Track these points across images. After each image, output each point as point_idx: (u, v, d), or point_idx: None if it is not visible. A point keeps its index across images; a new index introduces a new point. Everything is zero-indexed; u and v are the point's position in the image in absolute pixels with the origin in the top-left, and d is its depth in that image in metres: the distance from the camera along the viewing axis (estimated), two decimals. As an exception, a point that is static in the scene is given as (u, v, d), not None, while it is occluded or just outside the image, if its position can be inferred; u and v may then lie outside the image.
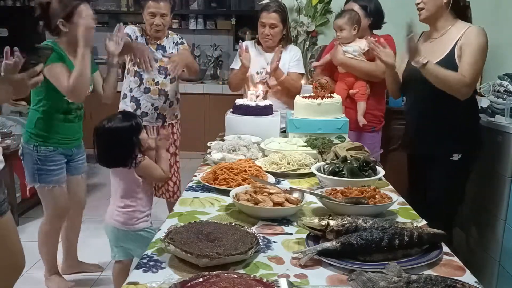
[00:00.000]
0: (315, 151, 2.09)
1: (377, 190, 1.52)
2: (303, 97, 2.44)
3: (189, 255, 1.09)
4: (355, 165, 1.71)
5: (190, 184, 1.80)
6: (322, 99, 2.37)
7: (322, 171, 1.75)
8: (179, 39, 3.08)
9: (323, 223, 1.23)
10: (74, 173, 2.61)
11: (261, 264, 1.14)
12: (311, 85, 2.68)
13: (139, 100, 2.95)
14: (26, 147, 2.44)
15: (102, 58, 5.28)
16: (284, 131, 2.65)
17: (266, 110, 2.46)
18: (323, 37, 3.78)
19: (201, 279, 0.98)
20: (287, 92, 2.94)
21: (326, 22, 3.71)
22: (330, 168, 1.73)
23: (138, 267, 1.12)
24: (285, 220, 1.42)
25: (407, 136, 2.56)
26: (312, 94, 2.46)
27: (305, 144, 2.19)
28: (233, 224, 1.29)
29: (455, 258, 1.18)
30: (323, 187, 1.67)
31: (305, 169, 1.91)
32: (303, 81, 2.91)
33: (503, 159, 2.47)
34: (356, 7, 2.80)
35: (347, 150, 1.93)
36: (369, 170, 1.72)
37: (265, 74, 2.92)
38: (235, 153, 2.08)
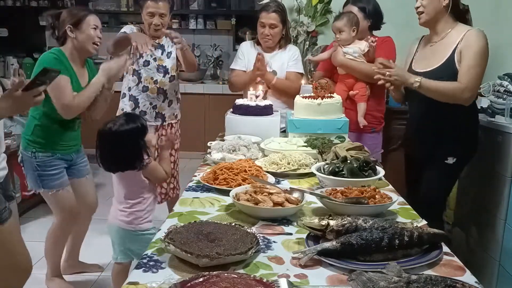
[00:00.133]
0: (315, 151, 2.09)
1: (377, 190, 1.53)
2: (303, 97, 2.44)
3: (189, 255, 1.09)
4: (355, 165, 1.71)
5: (190, 184, 1.80)
6: (322, 99, 2.37)
7: (322, 171, 1.75)
8: None
9: (323, 223, 1.23)
10: (78, 176, 2.62)
11: (261, 264, 1.14)
12: (311, 85, 2.68)
13: (138, 98, 2.96)
14: (24, 153, 2.44)
15: (102, 58, 5.29)
16: (284, 131, 2.65)
17: (266, 110, 2.46)
18: (323, 37, 3.77)
19: (201, 279, 0.98)
20: (286, 92, 2.94)
21: (326, 22, 3.71)
22: (330, 168, 1.73)
23: (138, 267, 1.12)
24: (285, 220, 1.42)
25: (407, 138, 2.56)
26: (312, 94, 2.46)
27: (305, 144, 2.19)
28: (233, 224, 1.29)
29: (455, 258, 1.18)
30: (323, 187, 1.67)
31: (305, 169, 1.91)
32: (303, 81, 2.91)
33: (503, 159, 2.47)
34: (355, 9, 2.80)
35: (347, 150, 1.93)
36: (369, 170, 1.72)
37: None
38: (235, 153, 2.08)
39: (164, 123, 3.04)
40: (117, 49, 2.83)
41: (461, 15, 2.27)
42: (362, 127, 2.75)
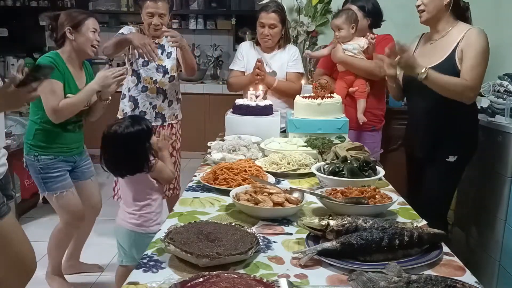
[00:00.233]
0: (315, 151, 2.09)
1: (377, 190, 1.53)
2: (303, 97, 2.44)
3: (189, 255, 1.09)
4: (355, 165, 1.71)
5: (190, 184, 1.80)
6: (322, 99, 2.37)
7: (322, 171, 1.75)
8: None
9: (323, 223, 1.23)
10: (82, 178, 2.62)
11: (261, 264, 1.14)
12: (311, 85, 2.68)
13: (137, 99, 2.95)
14: (28, 158, 2.46)
15: (102, 58, 5.29)
16: (284, 131, 2.65)
17: (266, 110, 2.47)
18: (323, 37, 3.77)
19: (201, 279, 0.98)
20: (287, 93, 2.95)
21: (326, 22, 3.71)
22: (330, 168, 1.73)
23: (138, 267, 1.12)
24: (285, 220, 1.42)
25: (407, 138, 2.56)
26: (312, 94, 2.46)
27: (305, 144, 2.19)
28: (233, 224, 1.29)
29: (455, 258, 1.18)
30: (323, 187, 1.67)
31: (305, 169, 1.91)
32: (303, 81, 2.91)
33: (503, 159, 2.47)
34: (354, 8, 2.81)
35: (347, 150, 1.93)
36: (369, 170, 1.72)
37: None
38: (235, 153, 2.08)
39: (164, 123, 3.04)
40: (116, 50, 2.83)
41: (461, 13, 2.27)
42: (361, 123, 2.75)
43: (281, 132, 2.56)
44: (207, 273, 1.01)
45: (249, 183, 1.64)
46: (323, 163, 1.85)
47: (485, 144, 2.49)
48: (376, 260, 1.14)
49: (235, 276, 1.01)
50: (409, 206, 1.57)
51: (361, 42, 2.74)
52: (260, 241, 1.20)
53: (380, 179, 1.77)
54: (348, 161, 1.75)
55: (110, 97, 2.55)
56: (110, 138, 1.99)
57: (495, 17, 3.34)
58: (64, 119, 2.40)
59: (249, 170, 1.75)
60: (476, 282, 1.05)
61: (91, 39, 2.43)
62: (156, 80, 2.94)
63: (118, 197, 3.12)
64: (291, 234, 1.32)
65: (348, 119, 2.38)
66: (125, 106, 3.00)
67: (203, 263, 1.08)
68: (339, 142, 2.21)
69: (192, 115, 5.00)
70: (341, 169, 1.71)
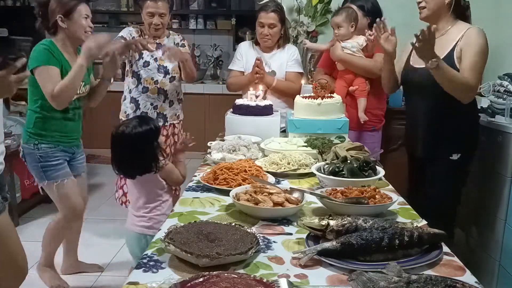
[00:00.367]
0: (315, 151, 2.09)
1: (377, 190, 1.53)
2: (303, 97, 2.45)
3: (189, 255, 1.09)
4: (355, 165, 1.71)
5: (190, 184, 1.80)
6: (322, 99, 2.37)
7: (322, 171, 1.75)
8: (180, 40, 3.08)
9: (323, 223, 1.23)
10: (75, 173, 2.58)
11: (261, 264, 1.14)
12: (311, 85, 2.68)
13: (138, 100, 2.96)
14: (26, 147, 2.41)
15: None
16: (284, 131, 2.65)
17: (266, 110, 2.47)
18: (323, 37, 3.77)
19: (201, 279, 0.98)
20: (287, 93, 2.95)
21: (326, 22, 3.71)
22: (330, 168, 1.73)
23: (138, 267, 1.12)
24: (285, 220, 1.42)
25: (408, 137, 2.56)
26: (312, 94, 2.46)
27: (305, 144, 2.19)
28: (233, 224, 1.29)
29: (455, 258, 1.18)
30: (323, 187, 1.67)
31: (305, 169, 1.91)
32: (303, 81, 2.91)
33: (503, 159, 2.47)
34: (354, 8, 2.81)
35: (347, 150, 1.93)
36: (369, 170, 1.72)
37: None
38: (235, 153, 2.08)
39: (166, 124, 3.04)
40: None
41: (461, 12, 2.27)
42: (363, 122, 2.75)
43: (281, 132, 2.56)
44: (207, 273, 1.01)
45: (249, 183, 1.64)
46: (323, 163, 1.86)
47: (485, 144, 2.49)
48: (376, 260, 1.14)
49: (235, 276, 1.01)
50: (409, 206, 1.57)
51: (360, 40, 2.74)
52: (260, 241, 1.20)
53: (380, 179, 1.77)
54: (348, 161, 1.75)
55: (112, 78, 2.52)
56: (118, 138, 2.00)
57: (495, 17, 3.34)
58: (65, 103, 2.35)
59: (249, 170, 1.75)
60: (476, 282, 1.05)
61: (84, 26, 2.36)
62: (157, 80, 2.95)
63: (123, 202, 3.13)
64: (291, 234, 1.32)
65: (348, 119, 2.38)
66: (126, 108, 3.01)
67: (203, 263, 1.08)
68: (339, 142, 2.21)
69: (192, 115, 4.99)
70: (341, 169, 1.71)
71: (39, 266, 2.67)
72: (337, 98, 2.43)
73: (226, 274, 1.01)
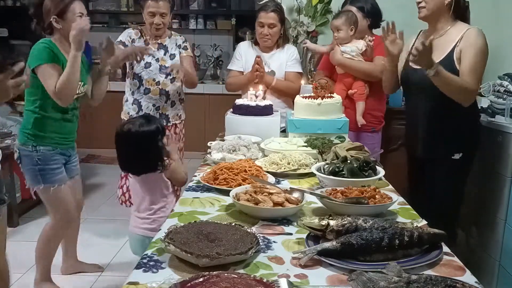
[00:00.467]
0: (315, 151, 2.09)
1: (377, 190, 1.53)
2: (303, 97, 2.45)
3: (189, 255, 1.09)
4: (355, 165, 1.71)
5: (190, 184, 1.80)
6: (322, 99, 2.37)
7: (322, 171, 1.75)
8: (183, 42, 3.08)
9: (323, 223, 1.23)
10: (70, 175, 2.55)
11: (261, 264, 1.14)
12: (311, 85, 2.68)
13: (140, 101, 2.97)
14: (24, 149, 2.37)
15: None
16: (284, 131, 2.65)
17: (266, 110, 2.47)
18: (323, 37, 3.77)
19: (201, 279, 0.98)
20: (286, 92, 2.95)
21: (326, 22, 3.71)
22: (330, 168, 1.73)
23: (138, 267, 1.12)
24: (285, 220, 1.42)
25: (408, 138, 2.56)
26: (312, 94, 2.46)
27: (305, 144, 2.19)
28: (233, 224, 1.29)
29: (455, 258, 1.18)
30: (323, 187, 1.67)
31: (305, 169, 1.91)
32: (303, 81, 2.91)
33: (503, 159, 2.47)
34: (353, 9, 2.81)
35: (347, 150, 1.93)
36: (369, 170, 1.72)
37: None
38: (235, 153, 2.08)
39: (168, 124, 3.05)
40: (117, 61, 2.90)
41: (461, 12, 2.27)
42: (360, 126, 2.75)
43: (280, 131, 2.56)
44: (207, 273, 1.01)
45: (249, 183, 1.64)
46: (323, 163, 1.86)
47: (485, 144, 2.49)
48: (376, 260, 1.14)
49: (235, 276, 1.01)
50: (409, 206, 1.57)
51: (359, 45, 2.74)
52: (260, 241, 1.20)
53: (380, 179, 1.77)
54: (348, 161, 1.75)
55: (110, 69, 2.49)
56: (124, 136, 2.00)
57: (495, 17, 3.33)
58: (69, 98, 2.32)
59: (249, 170, 1.75)
60: (476, 282, 1.05)
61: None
62: (158, 81, 2.96)
63: (123, 201, 3.13)
64: (291, 234, 1.32)
65: (348, 119, 2.38)
66: (129, 109, 3.03)
67: (203, 263, 1.08)
68: (339, 142, 2.21)
69: (192, 115, 4.99)
70: (341, 169, 1.71)
71: (36, 282, 2.59)
72: (337, 98, 2.43)
73: (226, 274, 1.01)
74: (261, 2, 3.18)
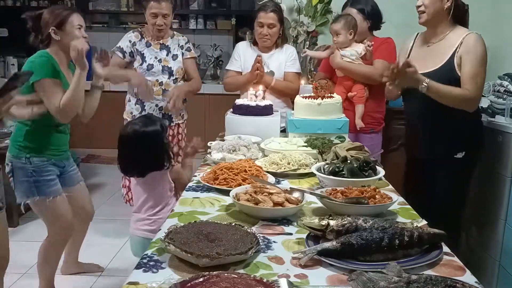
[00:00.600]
0: (315, 151, 2.09)
1: (377, 190, 1.52)
2: (303, 97, 2.45)
3: (189, 255, 1.09)
4: (355, 165, 1.71)
5: (190, 184, 1.80)
6: (322, 99, 2.37)
7: (322, 171, 1.75)
8: (185, 42, 3.09)
9: (323, 223, 1.23)
10: (71, 184, 2.52)
11: (261, 264, 1.14)
12: (311, 85, 2.68)
13: (143, 101, 2.99)
14: (16, 161, 2.31)
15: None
16: (283, 131, 2.65)
17: (266, 110, 2.47)
18: (323, 37, 3.77)
19: (201, 279, 0.98)
20: (285, 92, 2.95)
21: (326, 22, 3.71)
22: (330, 168, 1.73)
23: (138, 267, 1.12)
24: (285, 220, 1.42)
25: (408, 139, 2.55)
26: (312, 94, 2.46)
27: (305, 144, 2.19)
28: (233, 224, 1.29)
29: (455, 258, 1.18)
30: (323, 187, 1.67)
31: (305, 169, 1.91)
32: (303, 81, 2.91)
33: (503, 159, 2.47)
34: (353, 11, 2.81)
35: (347, 150, 1.93)
36: (369, 170, 1.72)
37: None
38: (235, 153, 2.09)
39: (172, 124, 3.06)
40: (115, 82, 2.97)
41: (460, 16, 2.27)
42: (359, 129, 2.76)
43: (280, 131, 2.56)
44: (207, 273, 1.01)
45: (249, 183, 1.64)
46: (323, 163, 1.86)
47: (485, 144, 2.49)
48: (376, 260, 1.14)
49: (235, 276, 1.01)
50: (409, 206, 1.57)
51: (359, 49, 2.73)
52: (260, 241, 1.20)
53: (380, 179, 1.77)
54: (348, 161, 1.75)
55: (103, 84, 2.46)
56: (130, 137, 2.00)
57: (494, 17, 3.34)
58: (69, 117, 2.30)
59: (249, 170, 1.75)
60: (476, 282, 1.05)
61: (78, 37, 2.30)
62: (161, 82, 2.97)
63: (128, 200, 3.14)
64: (291, 234, 1.32)
65: (348, 119, 2.38)
66: (132, 109, 3.04)
67: (203, 263, 1.08)
68: (339, 142, 2.21)
69: (192, 115, 4.99)
70: (341, 169, 1.71)
71: None
72: (337, 98, 2.43)
73: (226, 274, 1.01)
74: (261, 2, 3.18)
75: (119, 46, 2.99)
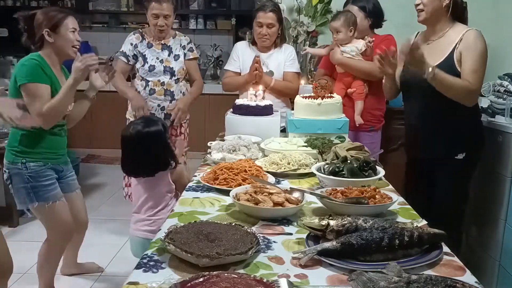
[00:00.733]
0: (315, 151, 2.09)
1: (377, 190, 1.53)
2: (303, 97, 2.45)
3: (189, 255, 1.09)
4: (355, 165, 1.71)
5: (190, 184, 1.80)
6: (322, 99, 2.37)
7: (322, 171, 1.75)
8: (187, 42, 3.10)
9: (323, 223, 1.23)
10: (67, 190, 2.48)
11: (261, 264, 1.14)
12: (311, 85, 2.68)
13: (146, 101, 2.98)
14: (13, 167, 2.28)
15: (102, 58, 5.29)
16: (283, 130, 2.65)
17: (266, 110, 2.47)
18: (323, 37, 3.77)
19: (201, 279, 0.98)
20: (284, 93, 2.95)
21: (326, 22, 3.71)
22: (330, 168, 1.73)
23: (138, 267, 1.12)
24: (285, 220, 1.42)
25: (408, 138, 2.55)
26: (312, 94, 2.46)
27: (305, 144, 2.19)
28: (233, 224, 1.29)
29: (455, 258, 1.18)
30: (323, 187, 1.67)
31: (305, 169, 1.91)
32: (302, 81, 2.91)
33: (503, 159, 2.47)
34: (354, 9, 2.81)
35: (347, 150, 1.93)
36: (369, 170, 1.72)
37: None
38: (235, 153, 2.09)
39: (174, 124, 3.06)
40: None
41: (459, 13, 2.27)
42: (358, 125, 2.75)
43: (280, 131, 2.56)
44: (207, 273, 1.01)
45: (249, 183, 1.64)
46: (323, 163, 1.86)
47: (485, 144, 2.49)
48: (376, 260, 1.14)
49: (235, 276, 1.01)
50: (409, 206, 1.57)
51: (359, 45, 2.74)
52: (260, 241, 1.20)
53: (380, 179, 1.77)
54: (348, 161, 1.75)
55: (94, 97, 2.44)
56: (133, 139, 2.00)
57: (494, 17, 3.34)
58: (51, 123, 2.27)
59: (249, 170, 1.75)
60: (476, 282, 1.05)
61: (71, 40, 2.28)
62: (163, 82, 2.98)
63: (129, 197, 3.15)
64: (291, 234, 1.32)
65: (348, 119, 2.39)
66: None
67: (203, 263, 1.08)
68: (339, 142, 2.21)
69: (192, 115, 5.00)
70: (341, 169, 1.71)
71: None
72: (337, 98, 2.43)
73: (226, 274, 1.01)
74: (260, 2, 3.18)
75: (122, 50, 3.01)
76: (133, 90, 3.00)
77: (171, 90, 2.99)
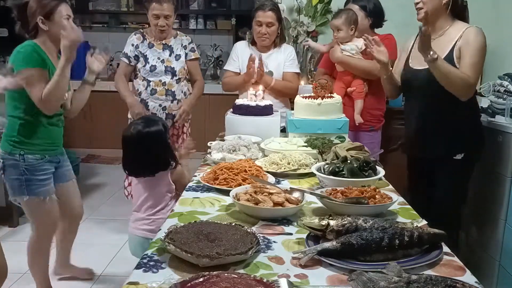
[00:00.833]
0: (315, 151, 2.09)
1: (377, 190, 1.53)
2: (303, 97, 2.45)
3: (189, 255, 1.09)
4: (355, 165, 1.71)
5: (190, 184, 1.80)
6: (322, 99, 2.37)
7: (322, 171, 1.75)
8: (189, 42, 3.10)
9: (323, 223, 1.23)
10: (63, 180, 2.46)
11: (261, 264, 1.14)
12: (311, 85, 2.68)
13: (147, 101, 3.01)
14: (9, 158, 2.24)
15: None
16: (283, 130, 2.64)
17: (266, 110, 2.47)
18: (323, 37, 3.78)
19: (201, 279, 0.98)
20: (284, 93, 2.95)
21: (326, 22, 3.72)
22: (330, 168, 1.73)
23: (138, 267, 1.12)
24: (285, 220, 1.42)
25: (408, 138, 2.55)
26: (312, 94, 2.46)
27: (305, 144, 2.19)
28: (233, 224, 1.29)
29: (455, 258, 1.18)
30: (323, 187, 1.67)
31: (305, 169, 1.91)
32: (302, 81, 2.91)
33: (503, 159, 2.47)
34: (355, 8, 2.81)
35: (347, 150, 1.93)
36: (369, 170, 1.72)
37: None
38: (235, 153, 2.09)
39: (176, 123, 3.06)
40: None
41: (459, 12, 2.27)
42: (357, 124, 2.75)
43: (280, 131, 2.56)
44: (207, 273, 1.01)
45: (249, 183, 1.64)
46: (323, 163, 1.86)
47: (485, 144, 2.49)
48: (376, 260, 1.14)
49: (235, 276, 1.01)
50: (409, 206, 1.57)
51: (359, 43, 2.74)
52: (260, 241, 1.20)
53: (380, 179, 1.77)
54: (348, 161, 1.75)
55: (94, 81, 2.41)
56: (134, 139, 2.01)
57: (494, 17, 3.34)
58: (55, 107, 2.24)
59: (249, 170, 1.75)
60: (476, 282, 1.05)
61: (66, 28, 2.19)
62: (164, 82, 2.99)
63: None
64: (291, 234, 1.32)
65: (348, 119, 2.39)
66: None
67: (203, 263, 1.08)
68: (339, 142, 2.21)
69: (192, 115, 5.00)
70: (341, 169, 1.71)
71: None
72: (337, 98, 2.43)
73: (226, 274, 1.01)
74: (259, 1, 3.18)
75: (124, 52, 3.03)
76: (132, 95, 3.01)
77: (173, 90, 3.00)
